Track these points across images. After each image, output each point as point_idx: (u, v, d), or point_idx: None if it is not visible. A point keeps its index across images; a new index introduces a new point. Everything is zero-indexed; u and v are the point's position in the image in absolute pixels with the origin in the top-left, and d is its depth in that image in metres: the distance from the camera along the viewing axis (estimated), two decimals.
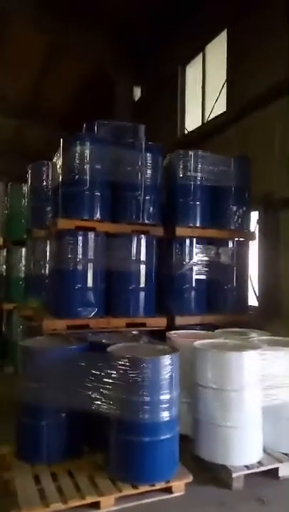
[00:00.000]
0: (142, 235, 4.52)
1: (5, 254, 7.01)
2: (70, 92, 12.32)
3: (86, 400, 3.11)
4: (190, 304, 4.84)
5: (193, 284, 4.84)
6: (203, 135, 7.20)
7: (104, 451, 3.17)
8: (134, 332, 4.46)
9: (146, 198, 4.55)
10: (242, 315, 5.03)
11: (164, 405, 3.00)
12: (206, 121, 7.55)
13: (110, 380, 3.07)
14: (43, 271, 5.58)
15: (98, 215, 4.38)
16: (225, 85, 6.86)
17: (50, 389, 3.16)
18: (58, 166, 4.63)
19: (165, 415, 3.00)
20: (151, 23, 8.22)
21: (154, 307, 4.61)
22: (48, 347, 3.50)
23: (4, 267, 7.02)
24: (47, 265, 5.55)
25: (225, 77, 6.87)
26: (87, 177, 4.34)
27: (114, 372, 3.06)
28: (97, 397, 3.09)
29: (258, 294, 5.78)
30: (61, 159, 4.45)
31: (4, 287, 6.91)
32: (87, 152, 4.34)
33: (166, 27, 8.07)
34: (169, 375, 3.04)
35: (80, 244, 4.26)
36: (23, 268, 6.82)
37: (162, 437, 3.00)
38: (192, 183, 4.84)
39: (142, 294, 4.53)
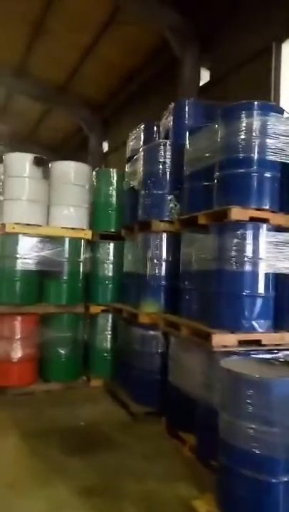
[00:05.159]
0: None
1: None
2: (124, 66, 11.38)
3: None
4: None
5: None
6: None
7: None
8: None
9: None
10: None
11: None
12: None
13: None
14: (157, 270, 4.73)
15: (268, 204, 3.54)
16: None
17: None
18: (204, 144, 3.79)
19: None
20: None
21: None
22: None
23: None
24: (163, 263, 4.73)
25: None
26: (255, 156, 3.51)
27: None
28: None
29: None
30: (219, 134, 3.61)
31: (88, 288, 6.00)
32: (256, 125, 3.50)
33: None
34: None
35: (252, 239, 3.41)
36: (111, 266, 5.98)
37: None
38: None
39: None
